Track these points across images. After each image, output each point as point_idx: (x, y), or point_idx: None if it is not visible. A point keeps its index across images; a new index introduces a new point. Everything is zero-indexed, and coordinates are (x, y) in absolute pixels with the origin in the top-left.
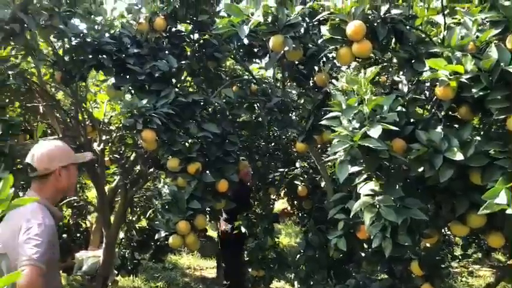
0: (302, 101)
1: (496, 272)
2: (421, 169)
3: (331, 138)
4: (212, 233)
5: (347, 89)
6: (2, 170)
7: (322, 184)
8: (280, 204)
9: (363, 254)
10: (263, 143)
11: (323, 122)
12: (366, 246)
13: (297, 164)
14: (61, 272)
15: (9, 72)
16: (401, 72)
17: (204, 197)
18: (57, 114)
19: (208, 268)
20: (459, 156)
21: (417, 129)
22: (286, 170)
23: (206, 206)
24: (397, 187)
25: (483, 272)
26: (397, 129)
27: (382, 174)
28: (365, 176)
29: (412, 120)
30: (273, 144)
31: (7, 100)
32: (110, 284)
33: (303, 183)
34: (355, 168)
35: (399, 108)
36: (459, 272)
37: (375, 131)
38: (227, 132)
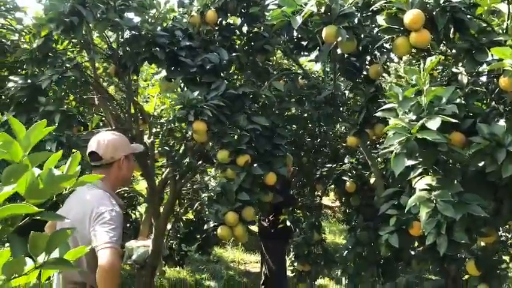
0: (352, 95)
1: None
2: (481, 163)
3: (384, 132)
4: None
5: (402, 81)
6: None
7: (372, 180)
8: (326, 201)
9: (412, 253)
10: (309, 139)
11: (378, 114)
12: (417, 244)
13: (346, 160)
14: None
15: (67, 65)
16: (460, 64)
17: (252, 189)
18: (110, 107)
19: (252, 262)
20: None
21: (478, 123)
22: (334, 165)
23: (254, 198)
24: (455, 182)
25: None
26: (456, 121)
27: (439, 169)
28: (420, 170)
29: (471, 113)
30: (319, 140)
31: (64, 93)
32: (158, 273)
33: (351, 179)
34: (411, 162)
35: (458, 100)
36: None
37: (434, 123)
38: (276, 126)
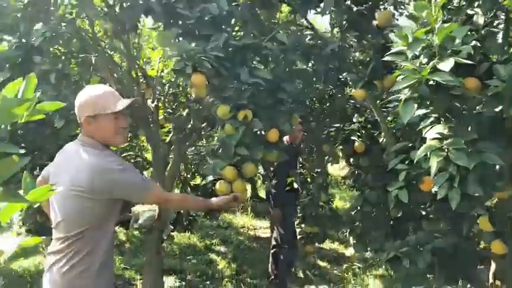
0: (360, 46)
1: None
2: (498, 109)
3: (394, 83)
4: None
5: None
6: (57, 119)
7: (381, 140)
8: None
9: (423, 213)
10: (318, 104)
11: (386, 58)
12: (428, 204)
13: (354, 119)
14: (118, 226)
15: (62, 24)
16: (476, 4)
17: (253, 144)
18: (110, 67)
19: (262, 228)
20: None
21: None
22: (342, 125)
23: (255, 154)
24: (469, 129)
25: None
26: (471, 63)
27: (451, 117)
28: (432, 119)
29: (488, 57)
30: (328, 104)
31: (58, 51)
32: (165, 237)
33: (360, 139)
34: (422, 111)
35: (473, 42)
36: None
37: (446, 64)
38: (280, 80)
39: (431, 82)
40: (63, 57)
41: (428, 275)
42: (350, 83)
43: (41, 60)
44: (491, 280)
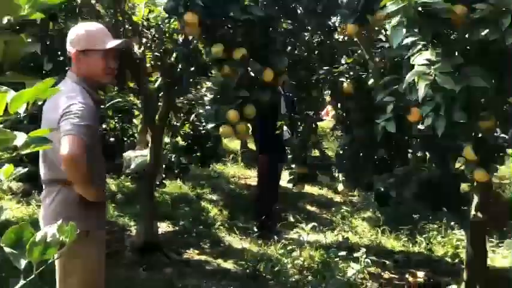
0: None
1: None
2: (484, 32)
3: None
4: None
5: None
6: (46, 61)
7: (370, 82)
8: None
9: (410, 151)
10: (306, 54)
11: None
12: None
13: (342, 61)
14: (111, 173)
15: None
16: None
17: (251, 85)
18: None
19: (252, 177)
20: None
21: None
22: (330, 68)
23: (253, 95)
24: (456, 54)
25: None
26: None
27: (439, 43)
28: (420, 46)
29: None
30: (316, 52)
31: None
32: (158, 183)
33: (348, 80)
34: (410, 39)
35: None
36: (509, 182)
37: None
38: (272, 17)
39: (419, 8)
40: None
41: (413, 215)
42: (338, 28)
43: None
44: (473, 212)
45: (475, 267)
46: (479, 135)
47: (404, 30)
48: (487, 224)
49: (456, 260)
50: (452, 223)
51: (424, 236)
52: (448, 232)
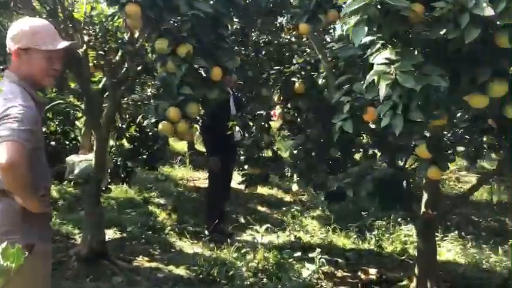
0: None
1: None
2: (443, 31)
3: (337, 17)
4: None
5: None
6: None
7: (320, 81)
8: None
9: (361, 150)
10: (253, 54)
11: None
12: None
13: (294, 61)
14: (53, 179)
15: None
16: None
17: (195, 83)
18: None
19: (201, 179)
20: (488, 12)
21: None
22: (281, 68)
23: (198, 93)
24: (416, 53)
25: (469, 178)
26: None
27: (399, 41)
28: (379, 45)
29: None
30: (264, 52)
31: None
32: (103, 188)
33: (300, 80)
34: (369, 38)
35: None
36: (446, 178)
37: None
38: (220, 14)
39: (379, 6)
40: None
41: (362, 212)
42: (286, 27)
43: None
44: (423, 209)
45: (426, 263)
46: (431, 133)
47: (366, 29)
48: (435, 220)
49: (405, 256)
50: (399, 219)
51: (373, 233)
52: (396, 228)
